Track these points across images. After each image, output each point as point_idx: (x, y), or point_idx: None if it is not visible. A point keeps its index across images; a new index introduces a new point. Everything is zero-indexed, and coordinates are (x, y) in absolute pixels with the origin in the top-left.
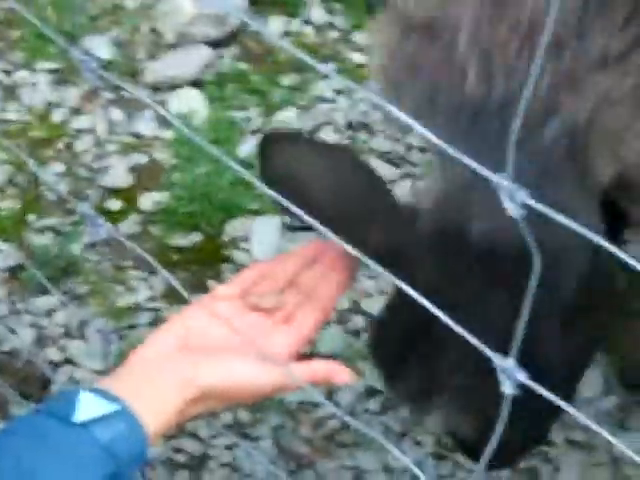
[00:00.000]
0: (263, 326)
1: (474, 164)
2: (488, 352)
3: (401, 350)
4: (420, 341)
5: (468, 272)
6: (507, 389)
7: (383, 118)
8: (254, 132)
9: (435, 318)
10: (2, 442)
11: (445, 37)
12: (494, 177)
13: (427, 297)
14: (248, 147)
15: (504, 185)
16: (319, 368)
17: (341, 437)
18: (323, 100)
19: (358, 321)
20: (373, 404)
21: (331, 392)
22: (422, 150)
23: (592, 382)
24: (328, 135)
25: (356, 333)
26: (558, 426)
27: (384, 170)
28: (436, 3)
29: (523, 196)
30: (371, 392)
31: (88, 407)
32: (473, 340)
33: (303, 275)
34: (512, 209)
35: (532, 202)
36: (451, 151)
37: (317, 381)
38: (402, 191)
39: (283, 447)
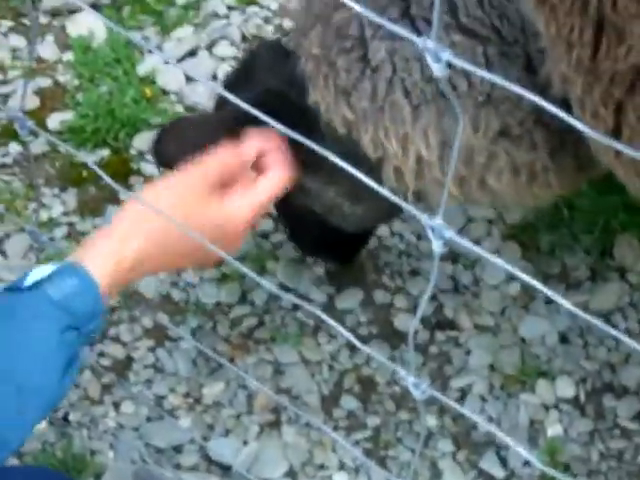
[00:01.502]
0: None
1: (400, 29)
2: (415, 212)
3: None
4: None
5: None
6: (436, 248)
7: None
8: (152, 51)
9: None
10: None
11: None
12: (419, 40)
13: None
14: (147, 65)
15: (429, 46)
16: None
17: (258, 334)
18: (217, 16)
19: (266, 224)
20: (286, 301)
21: (245, 292)
22: None
23: (496, 268)
24: (225, 49)
25: (264, 235)
26: (465, 311)
27: None
28: None
29: (447, 56)
30: (283, 290)
31: (38, 272)
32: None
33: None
34: (437, 69)
35: (456, 61)
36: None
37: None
38: None
39: (202, 344)
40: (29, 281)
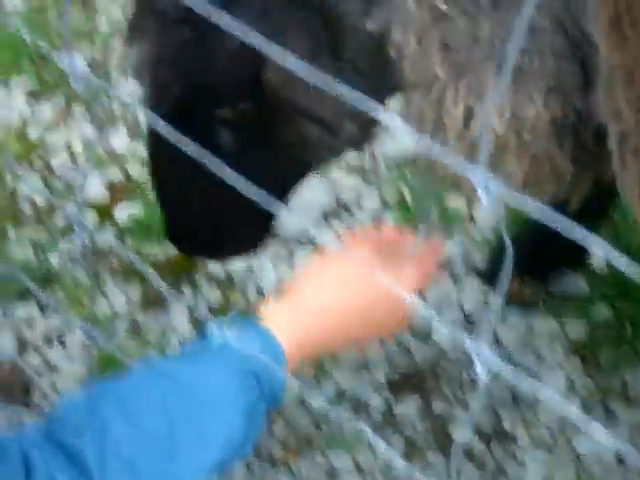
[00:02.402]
0: None
1: (448, 156)
2: (467, 342)
3: None
4: None
5: None
6: (482, 376)
7: None
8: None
9: None
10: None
11: None
12: (469, 170)
13: None
14: None
15: (478, 178)
16: None
17: (314, 437)
18: None
19: None
20: (344, 406)
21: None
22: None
23: (556, 383)
24: None
25: None
26: (523, 425)
27: (350, 181)
28: None
29: (496, 188)
30: (341, 395)
31: (222, 327)
32: None
33: None
34: (485, 200)
35: (505, 192)
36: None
37: None
38: (370, 201)
39: (258, 448)
40: (215, 334)
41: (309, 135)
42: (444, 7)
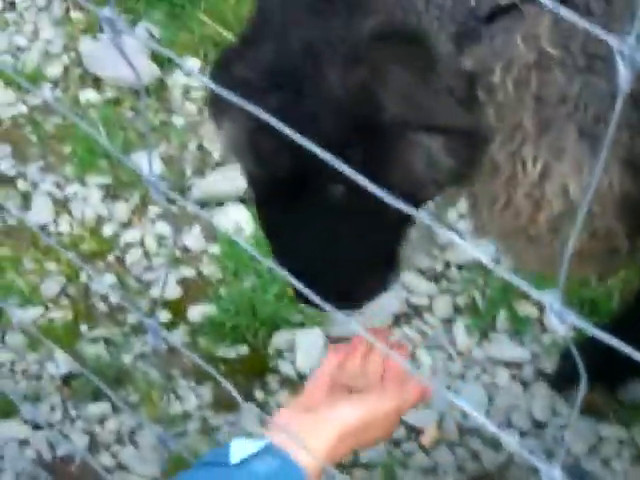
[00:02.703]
0: None
1: (522, 284)
2: (533, 460)
3: None
4: None
5: None
6: None
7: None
8: None
9: None
10: None
11: None
12: (543, 297)
13: None
14: None
15: (553, 307)
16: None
17: None
18: None
19: (397, 432)
20: None
21: None
22: (460, 267)
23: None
24: None
25: (396, 443)
26: None
27: (423, 286)
28: None
29: (572, 318)
30: None
31: (241, 449)
32: None
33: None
34: (561, 329)
35: (580, 323)
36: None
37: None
38: (441, 305)
39: None
40: (235, 458)
41: (416, 171)
42: (555, 52)
